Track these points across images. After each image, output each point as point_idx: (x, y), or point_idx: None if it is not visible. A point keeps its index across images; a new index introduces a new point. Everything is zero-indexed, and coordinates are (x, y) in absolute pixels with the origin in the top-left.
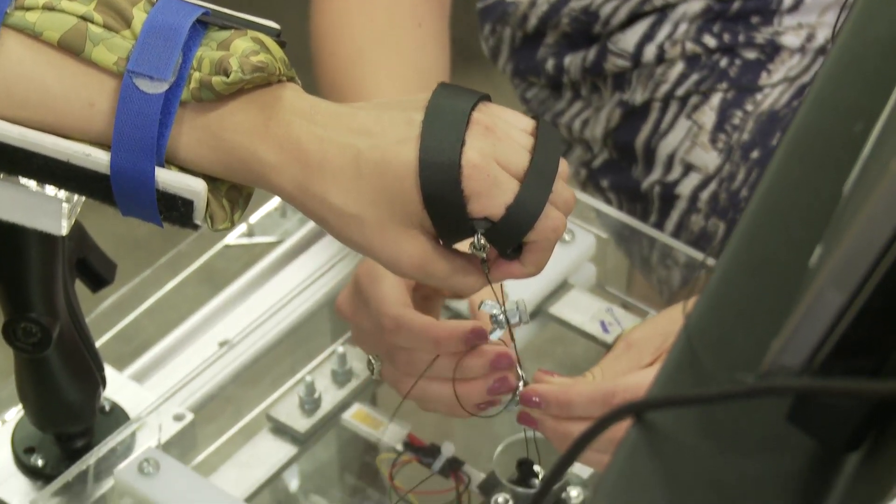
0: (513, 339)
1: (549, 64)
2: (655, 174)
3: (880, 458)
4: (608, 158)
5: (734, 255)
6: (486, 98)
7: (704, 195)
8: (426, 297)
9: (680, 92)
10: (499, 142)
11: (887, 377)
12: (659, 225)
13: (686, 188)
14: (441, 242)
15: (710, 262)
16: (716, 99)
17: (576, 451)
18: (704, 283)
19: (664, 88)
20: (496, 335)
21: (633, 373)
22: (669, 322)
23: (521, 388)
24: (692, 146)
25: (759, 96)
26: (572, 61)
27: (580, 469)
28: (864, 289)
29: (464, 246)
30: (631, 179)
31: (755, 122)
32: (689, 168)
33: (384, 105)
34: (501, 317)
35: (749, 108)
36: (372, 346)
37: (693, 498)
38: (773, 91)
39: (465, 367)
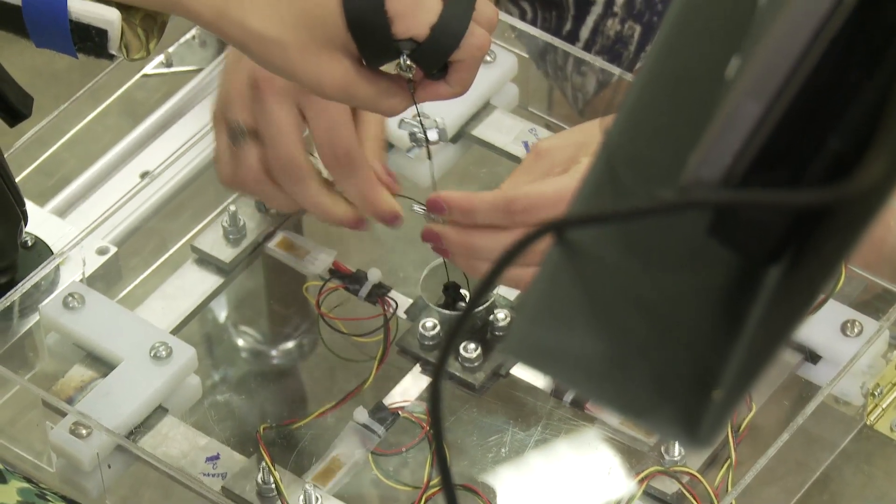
0: (429, 156)
1: None
2: None
3: (801, 270)
4: None
5: (651, 69)
6: None
7: None
8: None
9: None
10: None
11: (807, 187)
12: (574, 31)
13: None
14: (365, 64)
15: (629, 76)
16: None
17: (498, 269)
18: (622, 98)
19: None
20: (414, 153)
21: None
22: (582, 133)
23: None
24: None
25: None
26: None
27: (507, 291)
28: (781, 98)
29: (391, 67)
30: None
31: None
32: None
33: None
34: (419, 133)
35: None
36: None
37: (616, 316)
38: None
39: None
